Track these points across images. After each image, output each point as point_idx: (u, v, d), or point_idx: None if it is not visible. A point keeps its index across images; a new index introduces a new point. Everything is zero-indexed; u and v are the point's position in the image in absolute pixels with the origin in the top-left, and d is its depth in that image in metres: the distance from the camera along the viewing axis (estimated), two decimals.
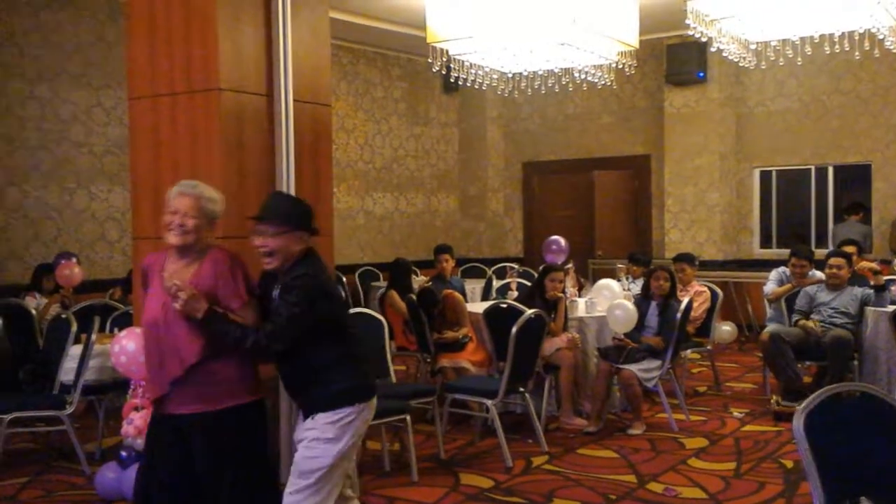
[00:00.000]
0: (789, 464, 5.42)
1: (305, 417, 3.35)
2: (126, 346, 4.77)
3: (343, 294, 3.54)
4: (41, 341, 6.24)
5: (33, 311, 6.74)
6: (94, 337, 5.56)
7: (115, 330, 5.85)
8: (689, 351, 7.45)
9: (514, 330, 5.61)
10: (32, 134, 8.40)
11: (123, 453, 4.83)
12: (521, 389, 5.86)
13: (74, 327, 5.64)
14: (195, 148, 5.15)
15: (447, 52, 7.19)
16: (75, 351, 5.60)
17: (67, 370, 5.56)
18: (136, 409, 4.76)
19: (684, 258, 7.94)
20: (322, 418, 3.28)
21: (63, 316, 5.94)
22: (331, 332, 3.32)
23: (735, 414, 6.79)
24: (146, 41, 5.30)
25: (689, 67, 11.08)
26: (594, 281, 8.17)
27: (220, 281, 3.26)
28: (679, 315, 6.41)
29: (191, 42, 5.14)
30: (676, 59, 11.16)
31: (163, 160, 5.26)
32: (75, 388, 5.45)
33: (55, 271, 7.25)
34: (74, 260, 7.40)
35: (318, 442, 3.27)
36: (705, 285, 7.76)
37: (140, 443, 4.78)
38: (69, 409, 5.40)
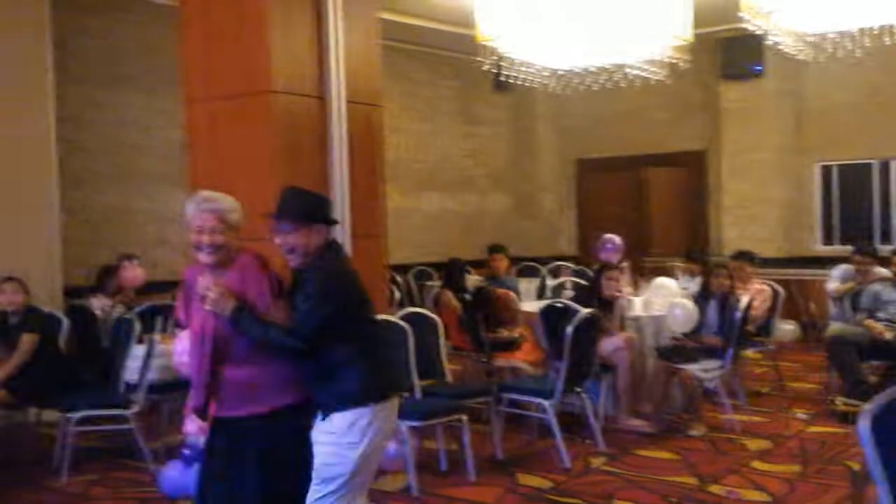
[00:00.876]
0: (856, 466, 5.29)
1: (321, 417, 3.25)
2: (187, 346, 4.85)
3: (361, 289, 3.35)
4: (106, 342, 6.38)
5: (98, 313, 6.90)
6: (156, 337, 5.68)
7: (177, 330, 5.96)
8: (750, 350, 7.32)
9: (569, 329, 5.58)
10: (93, 138, 8.58)
11: (186, 451, 4.89)
12: (578, 389, 5.82)
13: (137, 328, 5.75)
14: (249, 149, 5.23)
15: (497, 50, 7.17)
16: (139, 351, 5.71)
17: (131, 370, 5.68)
18: (195, 408, 4.85)
19: (743, 256, 7.81)
20: (338, 419, 3.19)
21: (126, 317, 6.06)
22: (345, 329, 3.22)
23: (798, 415, 6.66)
24: (200, 45, 5.39)
25: (745, 61, 10.89)
26: (648, 279, 8.08)
27: (248, 283, 3.26)
28: (739, 314, 6.30)
29: (244, 46, 5.21)
30: (732, 52, 10.98)
31: (218, 162, 5.35)
32: (139, 387, 5.57)
33: (118, 273, 7.40)
34: (137, 261, 7.54)
35: (339, 448, 3.17)
36: (765, 283, 7.62)
37: (203, 441, 4.87)
38: (134, 409, 5.51)
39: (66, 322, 6.26)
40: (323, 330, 3.16)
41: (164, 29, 8.94)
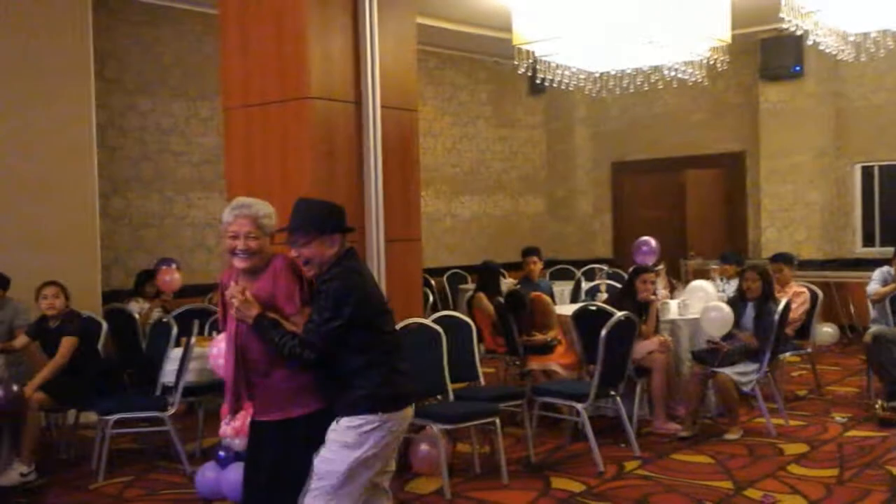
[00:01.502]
0: (895, 471, 5.20)
1: (336, 422, 3.26)
2: (223, 348, 4.91)
3: (377, 298, 3.37)
4: (144, 345, 6.48)
5: (136, 316, 7.01)
6: (193, 340, 5.75)
7: (213, 333, 6.04)
8: (788, 353, 7.21)
9: (603, 332, 5.55)
10: (134, 144, 8.74)
11: (222, 453, 4.97)
12: (612, 393, 5.79)
13: (175, 331, 5.83)
14: (286, 155, 5.28)
15: (533, 53, 7.17)
16: (176, 354, 5.79)
17: (168, 372, 5.76)
18: (231, 409, 4.91)
19: (782, 258, 7.71)
20: (344, 422, 3.21)
21: (164, 320, 6.15)
22: (358, 339, 3.22)
23: (837, 419, 6.55)
24: (239, 53, 5.46)
25: (785, 61, 10.76)
26: (687, 282, 8.00)
27: (279, 288, 3.30)
28: (776, 317, 6.22)
29: (282, 53, 5.27)
30: (771, 53, 10.86)
31: (256, 168, 5.41)
32: (176, 389, 5.64)
33: (156, 277, 7.51)
34: (174, 266, 7.63)
35: (337, 445, 3.19)
36: (804, 286, 7.51)
37: (238, 443, 4.93)
38: (170, 411, 5.59)
39: (105, 325, 6.37)
40: (334, 341, 3.18)
41: (204, 37, 9.09)
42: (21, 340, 5.83)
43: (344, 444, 3.19)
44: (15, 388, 5.13)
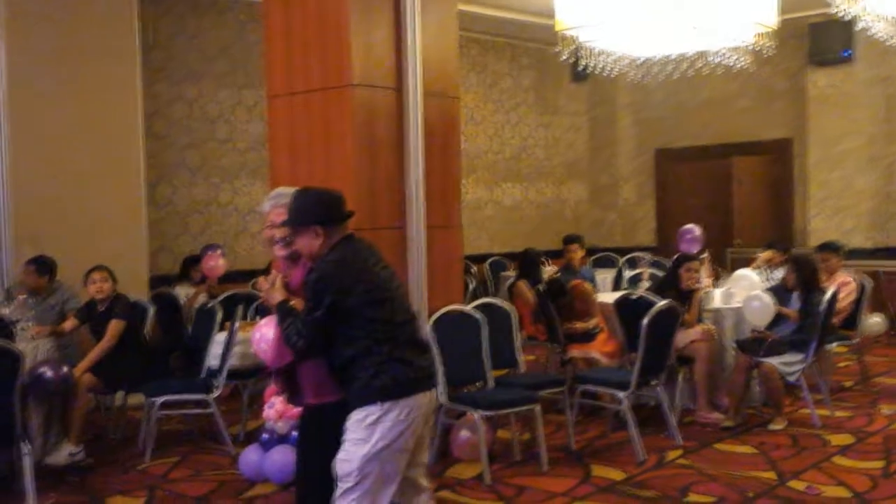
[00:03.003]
0: None
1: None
2: (266, 333, 4.92)
3: (379, 281, 3.23)
4: (189, 329, 6.59)
5: (182, 301, 7.13)
6: (237, 325, 5.83)
7: (257, 318, 6.12)
8: (834, 344, 7.10)
9: (645, 321, 5.51)
10: (180, 132, 8.85)
11: (265, 436, 5.05)
12: (654, 382, 5.75)
13: (220, 315, 5.92)
14: (329, 143, 5.32)
15: (576, 39, 7.11)
16: (220, 338, 5.88)
17: (213, 356, 5.85)
18: (277, 393, 4.97)
19: (829, 247, 7.56)
20: (353, 416, 3.17)
21: (209, 305, 6.25)
22: (348, 328, 3.15)
23: (884, 411, 6.44)
24: (283, 41, 5.50)
25: (834, 46, 10.52)
26: (732, 271, 7.90)
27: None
28: (822, 306, 6.12)
29: (325, 40, 5.30)
30: (820, 38, 10.63)
31: (299, 155, 5.46)
32: (220, 373, 5.73)
33: (201, 262, 7.62)
34: (219, 251, 7.74)
35: (349, 443, 3.15)
36: (852, 275, 7.37)
37: (281, 426, 5.00)
38: (215, 393, 5.69)
39: (151, 310, 6.49)
40: (320, 331, 3.14)
41: (248, 25, 9.17)
42: (70, 323, 5.97)
43: (354, 440, 3.15)
44: (64, 369, 5.25)
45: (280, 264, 3.52)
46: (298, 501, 3.54)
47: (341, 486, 3.16)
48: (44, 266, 6.32)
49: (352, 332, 3.16)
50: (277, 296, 3.28)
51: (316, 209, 3.26)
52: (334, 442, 3.19)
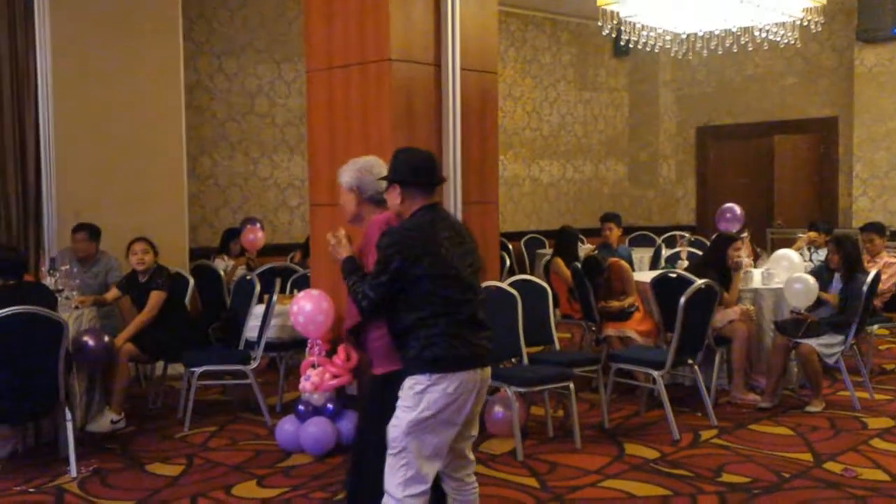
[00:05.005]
0: None
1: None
2: (304, 306, 5.03)
3: (447, 256, 3.22)
4: (228, 301, 6.68)
5: (221, 273, 7.22)
6: (275, 297, 5.89)
7: (295, 291, 6.18)
8: (875, 326, 6.99)
9: (682, 300, 5.47)
10: (221, 106, 8.92)
11: (301, 407, 5.11)
12: (690, 361, 5.72)
13: (258, 288, 5.98)
14: (367, 117, 5.32)
15: (618, 14, 7.02)
16: (258, 310, 5.94)
17: (251, 328, 5.92)
18: (313, 366, 5.03)
19: (873, 227, 7.43)
20: (405, 383, 3.21)
21: (248, 277, 6.31)
22: (415, 296, 3.18)
23: None
24: (322, 16, 5.51)
25: (884, 23, 10.27)
26: (773, 251, 7.80)
27: (367, 244, 3.43)
28: (865, 287, 6.02)
29: (364, 15, 5.29)
30: (869, 14, 10.37)
31: (337, 130, 5.47)
32: (258, 345, 5.80)
33: (241, 235, 7.71)
34: (258, 225, 7.83)
35: (399, 409, 3.19)
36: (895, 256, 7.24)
37: (317, 398, 5.06)
38: (253, 365, 5.76)
39: (191, 281, 6.58)
40: (384, 295, 3.19)
41: (289, 1, 9.19)
42: (112, 293, 6.07)
43: (404, 406, 3.19)
44: (106, 339, 5.35)
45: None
46: (353, 467, 3.61)
47: (390, 451, 3.23)
48: (94, 232, 6.46)
49: (413, 301, 3.20)
50: (343, 252, 3.41)
51: (402, 168, 3.33)
52: (392, 411, 3.25)
